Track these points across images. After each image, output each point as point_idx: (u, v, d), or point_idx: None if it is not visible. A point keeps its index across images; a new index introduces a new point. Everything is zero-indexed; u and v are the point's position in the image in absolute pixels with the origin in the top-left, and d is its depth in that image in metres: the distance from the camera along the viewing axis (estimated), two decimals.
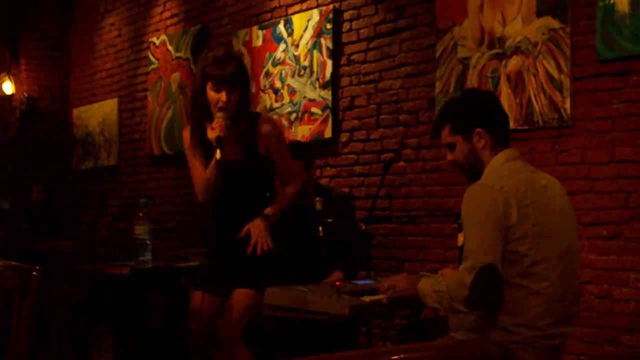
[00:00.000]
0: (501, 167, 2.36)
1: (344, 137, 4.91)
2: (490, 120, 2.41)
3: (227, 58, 3.01)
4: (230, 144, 3.01)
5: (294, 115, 5.19)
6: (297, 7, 5.30)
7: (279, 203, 3.08)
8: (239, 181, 3.06)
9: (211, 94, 2.97)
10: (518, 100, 3.93)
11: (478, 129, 2.39)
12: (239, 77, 2.98)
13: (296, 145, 4.20)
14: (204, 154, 3.05)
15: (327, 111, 4.97)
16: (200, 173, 3.07)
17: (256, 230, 2.94)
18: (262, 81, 5.44)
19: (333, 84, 4.95)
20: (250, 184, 3.07)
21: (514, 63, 3.96)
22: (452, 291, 2.25)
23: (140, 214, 3.85)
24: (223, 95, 2.96)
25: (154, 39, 6.72)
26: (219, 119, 2.95)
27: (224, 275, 3.08)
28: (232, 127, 2.99)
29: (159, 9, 6.80)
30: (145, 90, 6.83)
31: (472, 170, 2.43)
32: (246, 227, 2.96)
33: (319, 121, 5.02)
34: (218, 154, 2.89)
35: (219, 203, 3.12)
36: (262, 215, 3.00)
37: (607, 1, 3.56)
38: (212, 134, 2.93)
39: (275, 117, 5.19)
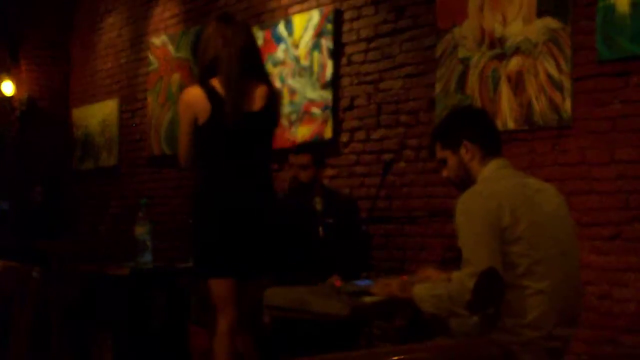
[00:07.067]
0: (492, 175, 2.45)
1: (344, 137, 4.91)
2: (476, 132, 2.51)
3: None
4: None
5: (294, 116, 5.19)
6: (297, 8, 5.30)
7: None
8: None
9: None
10: (518, 100, 3.93)
11: (465, 142, 2.48)
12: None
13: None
14: None
15: (328, 111, 4.96)
16: None
17: None
18: None
19: (333, 84, 4.95)
20: None
21: (514, 63, 3.96)
22: (453, 296, 2.31)
23: (140, 215, 3.85)
24: None
25: (154, 39, 6.72)
26: None
27: None
28: None
29: (159, 9, 6.80)
30: (146, 90, 6.83)
31: (464, 183, 2.50)
32: None
33: (319, 121, 5.02)
34: None
35: None
36: None
37: (607, 2, 3.56)
38: None
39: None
